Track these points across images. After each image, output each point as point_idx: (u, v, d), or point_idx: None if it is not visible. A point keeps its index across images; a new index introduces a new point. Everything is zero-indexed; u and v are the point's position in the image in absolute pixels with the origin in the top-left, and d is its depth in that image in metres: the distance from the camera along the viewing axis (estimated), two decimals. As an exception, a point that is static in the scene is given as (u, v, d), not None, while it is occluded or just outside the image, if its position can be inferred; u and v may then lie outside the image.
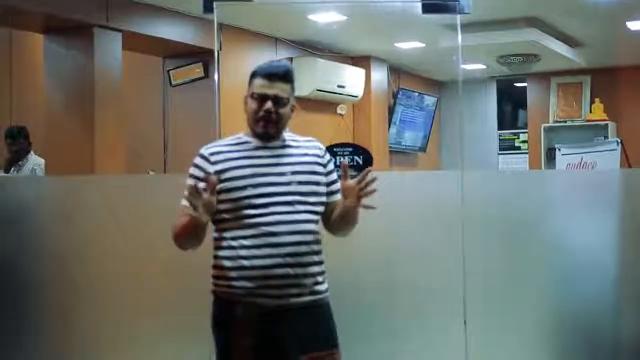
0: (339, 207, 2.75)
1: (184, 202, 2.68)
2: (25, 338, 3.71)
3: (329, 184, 2.81)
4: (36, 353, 3.72)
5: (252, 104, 2.70)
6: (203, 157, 2.72)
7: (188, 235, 2.65)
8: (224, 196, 2.64)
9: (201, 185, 2.54)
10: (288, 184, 2.67)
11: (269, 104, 2.67)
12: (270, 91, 2.67)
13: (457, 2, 3.67)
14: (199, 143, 2.86)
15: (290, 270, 2.61)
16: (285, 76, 2.71)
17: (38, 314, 3.74)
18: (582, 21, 8.33)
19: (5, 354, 3.68)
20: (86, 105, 6.59)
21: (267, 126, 2.69)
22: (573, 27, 8.72)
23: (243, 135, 2.78)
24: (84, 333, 3.79)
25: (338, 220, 2.79)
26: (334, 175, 2.85)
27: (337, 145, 3.83)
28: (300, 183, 2.69)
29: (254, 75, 2.73)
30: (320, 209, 2.75)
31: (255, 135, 2.74)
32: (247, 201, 2.63)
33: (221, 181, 2.65)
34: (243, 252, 2.61)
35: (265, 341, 2.62)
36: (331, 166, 2.84)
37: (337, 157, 3.80)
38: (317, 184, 2.74)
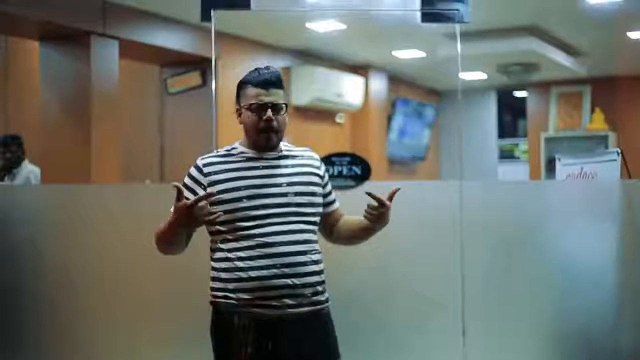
0: (361, 223, 2.75)
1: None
2: (22, 344, 3.70)
3: (325, 195, 2.80)
4: (34, 359, 3.72)
5: (251, 115, 2.65)
6: (197, 167, 2.69)
7: (166, 242, 2.63)
8: (218, 208, 2.60)
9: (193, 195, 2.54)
10: (284, 195, 2.64)
11: (269, 112, 2.63)
12: (268, 99, 2.64)
13: (456, 11, 3.65)
14: (196, 152, 2.84)
15: (288, 281, 2.58)
16: (278, 82, 2.68)
17: (35, 321, 3.73)
18: (582, 31, 8.33)
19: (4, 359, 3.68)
20: (83, 113, 6.59)
21: (270, 138, 2.66)
22: (573, 36, 8.72)
23: (239, 145, 2.74)
24: (82, 340, 3.78)
25: (355, 232, 2.80)
26: (330, 186, 2.84)
27: (335, 155, 3.78)
28: (296, 194, 2.66)
29: (244, 85, 2.69)
30: (317, 219, 2.73)
31: (254, 146, 2.70)
32: (242, 213, 2.60)
33: (216, 193, 2.61)
34: (240, 264, 2.58)
35: (264, 352, 2.58)
36: (327, 177, 2.84)
37: (335, 167, 3.76)
38: (314, 194, 2.72)
